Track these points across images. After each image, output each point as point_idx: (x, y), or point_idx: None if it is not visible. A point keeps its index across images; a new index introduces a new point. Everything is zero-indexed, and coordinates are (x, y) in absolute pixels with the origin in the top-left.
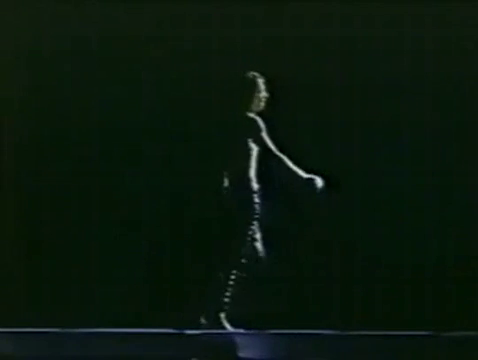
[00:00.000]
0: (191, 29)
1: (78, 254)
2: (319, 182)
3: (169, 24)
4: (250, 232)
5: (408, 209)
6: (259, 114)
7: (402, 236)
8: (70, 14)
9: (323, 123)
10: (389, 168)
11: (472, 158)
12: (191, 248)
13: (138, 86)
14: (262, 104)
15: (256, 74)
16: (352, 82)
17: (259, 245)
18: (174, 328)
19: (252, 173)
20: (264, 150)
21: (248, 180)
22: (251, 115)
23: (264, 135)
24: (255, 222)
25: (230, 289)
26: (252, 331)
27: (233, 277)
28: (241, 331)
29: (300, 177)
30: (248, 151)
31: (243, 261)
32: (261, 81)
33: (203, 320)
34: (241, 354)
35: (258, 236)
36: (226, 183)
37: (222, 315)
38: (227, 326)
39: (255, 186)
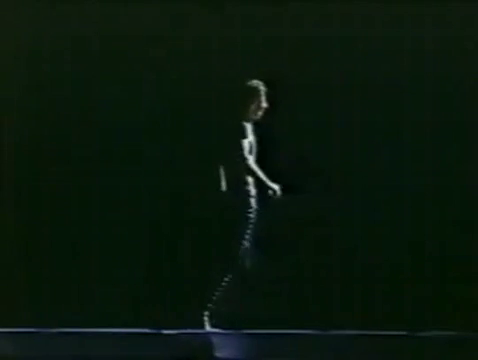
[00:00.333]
0: (191, 29)
1: (78, 254)
2: (277, 190)
3: (169, 24)
4: (246, 234)
5: (408, 209)
6: (255, 122)
7: (386, 235)
8: (70, 14)
9: (323, 123)
10: (389, 168)
11: (472, 158)
12: (182, 248)
13: (138, 86)
14: (260, 113)
15: (259, 82)
16: (352, 82)
17: (252, 246)
18: (151, 328)
19: (249, 177)
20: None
21: (245, 184)
22: (246, 123)
23: (247, 142)
24: (250, 225)
25: (216, 289)
26: (229, 331)
27: (221, 277)
28: (218, 331)
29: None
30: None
31: (235, 262)
32: (263, 90)
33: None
34: (219, 354)
35: (252, 238)
36: (223, 187)
37: (205, 315)
38: (210, 326)
39: (252, 191)
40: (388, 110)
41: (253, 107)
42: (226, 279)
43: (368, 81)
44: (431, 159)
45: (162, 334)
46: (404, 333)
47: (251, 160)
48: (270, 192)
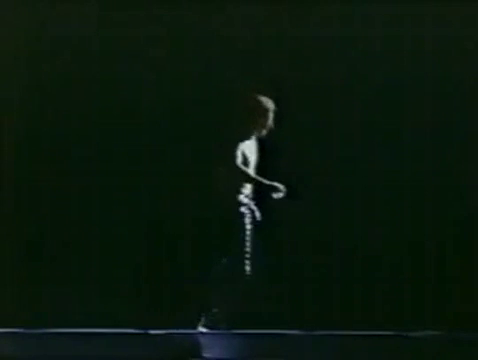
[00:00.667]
0: (191, 29)
1: (78, 254)
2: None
3: (170, 24)
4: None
5: (407, 208)
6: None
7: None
8: (70, 14)
9: (323, 123)
10: (389, 168)
11: (472, 158)
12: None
13: (138, 86)
14: (265, 132)
15: (268, 100)
16: (351, 83)
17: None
18: (138, 328)
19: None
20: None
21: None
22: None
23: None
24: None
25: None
26: (216, 331)
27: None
28: (205, 331)
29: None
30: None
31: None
32: (271, 109)
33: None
34: (206, 354)
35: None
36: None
37: (203, 315)
38: (207, 326)
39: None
40: (388, 110)
41: (259, 124)
42: (225, 279)
43: (368, 81)
44: (431, 159)
45: (149, 334)
46: (403, 333)
47: (251, 171)
48: (275, 194)
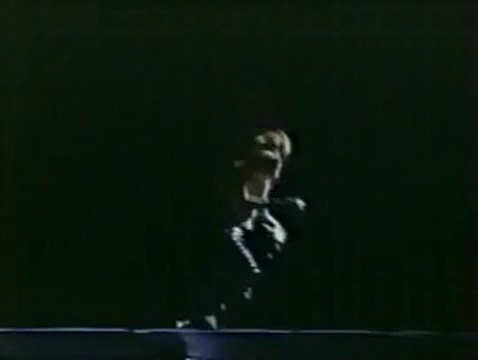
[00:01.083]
0: (191, 29)
1: (78, 254)
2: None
3: (170, 24)
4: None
5: (407, 208)
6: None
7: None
8: (70, 14)
9: (322, 123)
10: (388, 167)
11: (472, 158)
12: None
13: (138, 86)
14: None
15: (283, 136)
16: (351, 83)
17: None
18: (124, 327)
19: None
20: None
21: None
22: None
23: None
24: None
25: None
26: (203, 330)
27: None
28: (191, 330)
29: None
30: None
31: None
32: (287, 144)
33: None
34: (191, 353)
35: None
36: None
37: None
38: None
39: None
40: (388, 110)
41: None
42: (223, 279)
43: (368, 81)
44: (431, 159)
45: (135, 334)
46: (403, 333)
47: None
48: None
